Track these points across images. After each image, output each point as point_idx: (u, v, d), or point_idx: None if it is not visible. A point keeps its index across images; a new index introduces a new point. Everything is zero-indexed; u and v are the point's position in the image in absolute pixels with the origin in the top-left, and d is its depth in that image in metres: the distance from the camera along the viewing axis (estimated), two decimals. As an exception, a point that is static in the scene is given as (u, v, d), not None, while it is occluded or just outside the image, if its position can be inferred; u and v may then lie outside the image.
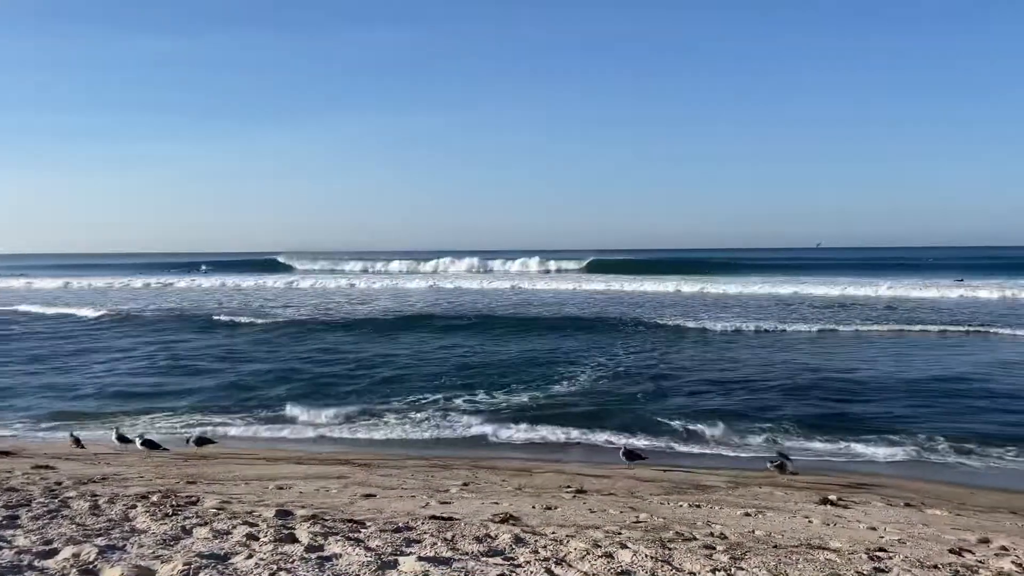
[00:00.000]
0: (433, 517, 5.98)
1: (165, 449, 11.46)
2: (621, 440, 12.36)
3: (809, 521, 6.93)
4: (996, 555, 5.57)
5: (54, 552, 4.48)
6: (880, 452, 11.62)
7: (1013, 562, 5.24)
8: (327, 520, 5.66)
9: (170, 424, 14.06)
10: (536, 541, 5.14)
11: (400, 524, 5.58)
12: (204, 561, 4.26)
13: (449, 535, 5.22)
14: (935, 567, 4.93)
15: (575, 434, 12.92)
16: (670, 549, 5.06)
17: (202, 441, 11.92)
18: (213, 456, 11.15)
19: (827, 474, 10.65)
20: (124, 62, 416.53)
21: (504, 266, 75.75)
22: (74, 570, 4.13)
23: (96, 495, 6.57)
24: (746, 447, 12.15)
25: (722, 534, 5.91)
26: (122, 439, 11.83)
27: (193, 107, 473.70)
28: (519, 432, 13.12)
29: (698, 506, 7.65)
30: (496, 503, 7.23)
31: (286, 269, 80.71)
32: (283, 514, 5.85)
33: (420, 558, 4.46)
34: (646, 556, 4.75)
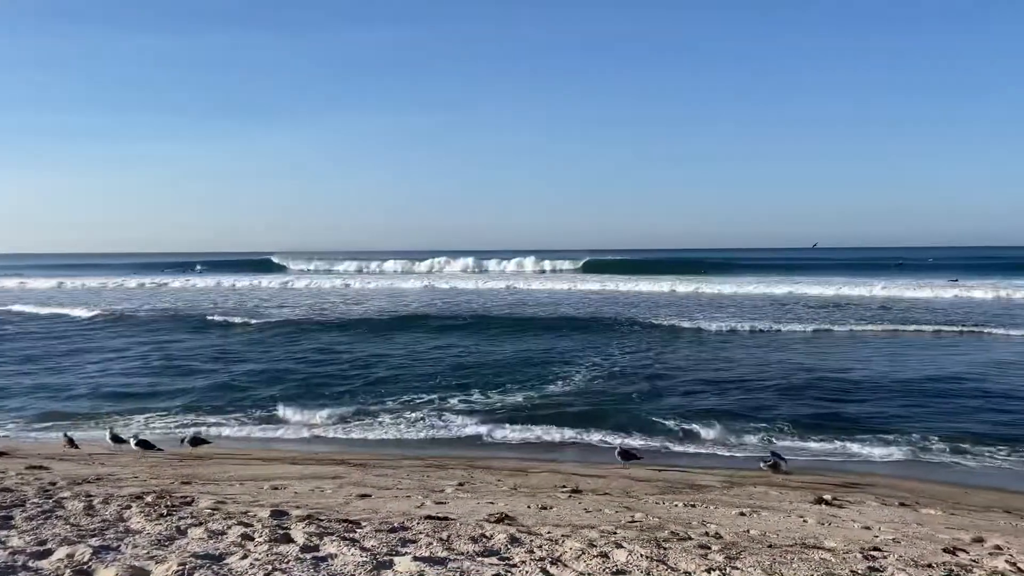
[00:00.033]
0: (429, 517, 5.98)
1: (160, 449, 11.43)
2: (616, 440, 12.37)
3: (804, 521, 6.94)
4: (990, 554, 5.58)
5: (48, 553, 4.46)
6: (875, 452, 11.65)
7: (1007, 561, 5.26)
8: (322, 520, 5.65)
9: (164, 424, 14.03)
10: (531, 541, 5.14)
11: (395, 524, 5.58)
12: (199, 561, 4.25)
13: (445, 535, 5.21)
14: (929, 566, 4.95)
15: (570, 434, 12.93)
16: (665, 549, 5.06)
17: (196, 441, 11.90)
18: (208, 456, 11.13)
19: (822, 474, 10.67)
20: (124, 62, 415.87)
21: (499, 266, 75.75)
22: (68, 571, 4.11)
23: (90, 495, 6.55)
24: (741, 447, 12.17)
25: (717, 534, 5.92)
26: (116, 439, 11.79)
27: (193, 107, 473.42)
28: (514, 432, 13.13)
29: (693, 506, 7.66)
30: (491, 503, 7.23)
31: (281, 269, 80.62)
32: (278, 514, 5.84)
33: (416, 558, 4.45)
34: (641, 556, 4.76)
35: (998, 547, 5.94)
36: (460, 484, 8.75)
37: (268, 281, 57.18)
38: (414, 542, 4.96)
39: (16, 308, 36.94)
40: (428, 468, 10.36)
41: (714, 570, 4.51)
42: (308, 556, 4.46)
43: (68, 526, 5.23)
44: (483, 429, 13.32)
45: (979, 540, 6.24)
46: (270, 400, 15.46)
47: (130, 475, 8.68)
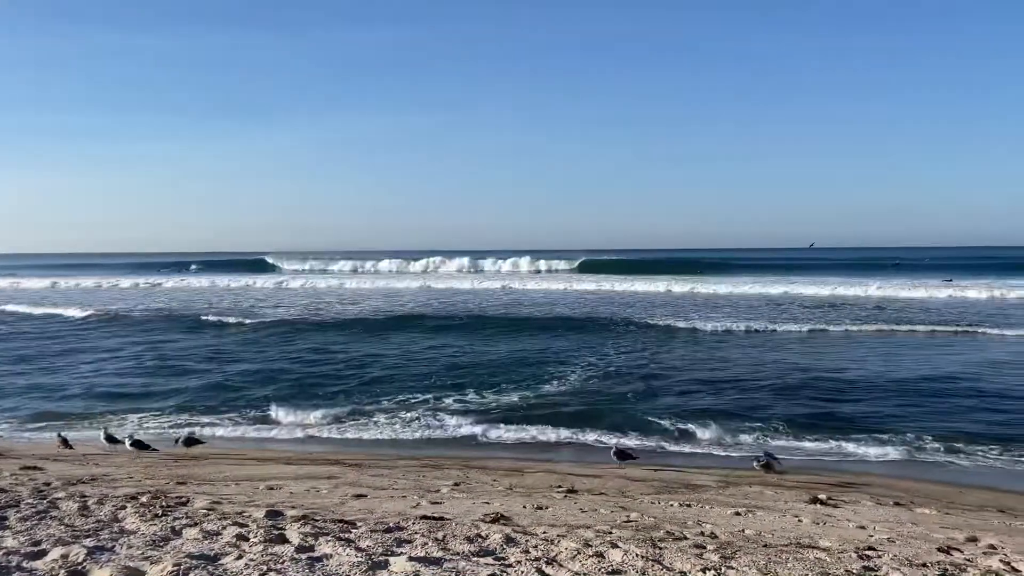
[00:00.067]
0: (424, 517, 5.97)
1: (154, 450, 11.40)
2: (612, 440, 12.39)
3: (799, 520, 6.95)
4: (984, 553, 5.60)
5: (43, 553, 4.45)
6: (870, 451, 11.68)
7: (1001, 560, 5.27)
8: (318, 520, 5.64)
9: (158, 424, 14.00)
10: (527, 541, 5.14)
11: (391, 524, 5.57)
12: (194, 562, 4.24)
13: (440, 535, 5.21)
14: (924, 565, 4.96)
15: (566, 434, 12.93)
16: (660, 548, 5.07)
17: (191, 441, 11.86)
18: (203, 456, 11.10)
19: (817, 473, 10.69)
20: (124, 62, 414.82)
21: (495, 266, 75.72)
22: (63, 571, 4.11)
23: (85, 496, 6.53)
24: (737, 447, 12.18)
25: (712, 533, 5.93)
26: (110, 439, 11.76)
27: (193, 107, 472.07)
28: (510, 432, 13.13)
29: (688, 505, 7.67)
30: (487, 503, 7.23)
31: (277, 269, 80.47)
32: (273, 514, 5.83)
33: (411, 558, 4.45)
34: (637, 555, 4.76)
35: (992, 546, 5.96)
36: (456, 484, 8.75)
37: (263, 281, 57.08)
38: (409, 542, 4.96)
39: (9, 308, 36.83)
40: (424, 468, 10.35)
41: (709, 570, 4.51)
42: (303, 556, 4.45)
43: (63, 527, 5.22)
44: (479, 429, 13.31)
45: (973, 539, 6.26)
46: (265, 400, 15.42)
47: (125, 475, 8.65)
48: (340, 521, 5.66)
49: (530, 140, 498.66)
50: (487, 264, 76.48)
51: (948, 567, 4.96)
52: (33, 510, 5.79)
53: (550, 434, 12.95)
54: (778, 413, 13.91)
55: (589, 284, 50.55)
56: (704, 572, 4.47)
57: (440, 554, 4.65)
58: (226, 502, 6.60)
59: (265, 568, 4.18)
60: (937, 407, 14.35)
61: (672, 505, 7.67)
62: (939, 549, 5.64)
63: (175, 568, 4.11)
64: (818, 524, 6.79)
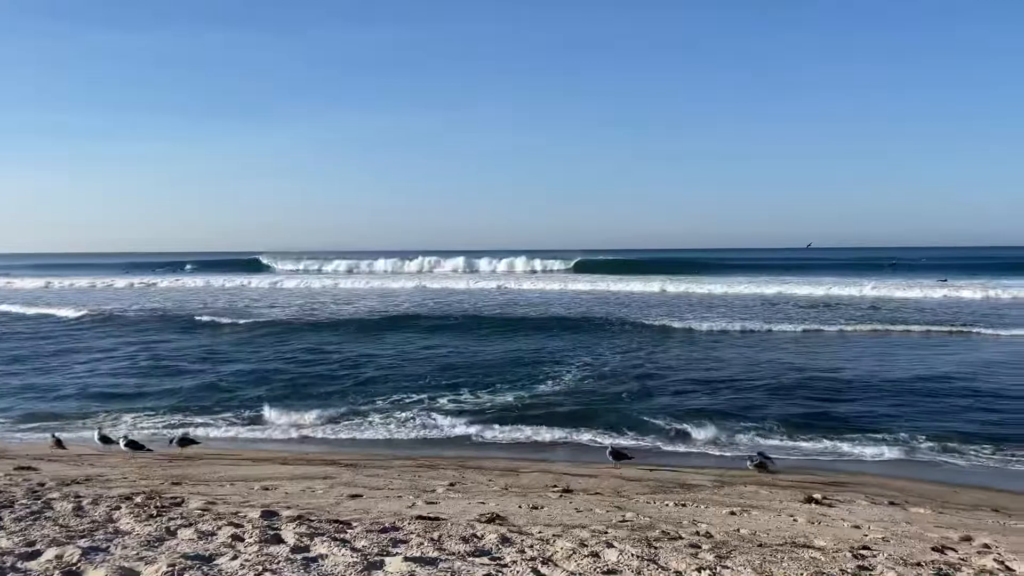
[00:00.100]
0: (420, 517, 5.97)
1: (149, 450, 11.37)
2: (607, 439, 12.39)
3: (794, 520, 6.97)
4: (978, 553, 5.62)
5: (37, 554, 4.43)
6: (864, 451, 11.71)
7: (995, 560, 5.29)
8: (313, 521, 5.64)
9: (152, 425, 13.95)
10: (522, 541, 5.14)
11: (386, 524, 5.57)
12: (189, 562, 4.24)
13: (436, 535, 5.21)
14: (918, 565, 4.97)
15: (561, 434, 12.94)
16: (656, 548, 5.07)
17: (185, 442, 11.83)
18: (198, 457, 11.08)
19: (812, 473, 10.71)
20: (124, 62, 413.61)
21: (491, 266, 75.65)
22: (57, 572, 4.09)
23: (79, 496, 6.51)
24: (732, 446, 12.20)
25: (708, 533, 5.94)
26: (105, 440, 11.73)
27: (192, 107, 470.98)
28: (505, 432, 13.12)
29: (684, 505, 7.68)
30: (483, 503, 7.23)
31: (272, 269, 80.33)
32: (269, 515, 5.82)
33: (406, 558, 4.45)
34: (632, 555, 4.77)
35: (986, 546, 5.98)
36: (451, 484, 8.75)
37: (258, 281, 56.97)
38: (405, 542, 4.95)
39: (3, 308, 36.72)
40: (419, 468, 10.34)
41: (704, 569, 4.52)
42: (299, 557, 4.45)
43: (57, 527, 5.20)
44: (474, 429, 13.31)
45: (967, 539, 6.28)
46: (259, 400, 15.39)
47: (119, 476, 8.63)
48: (336, 521, 5.66)
49: (530, 140, 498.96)
50: (483, 264, 76.37)
51: (943, 566, 4.98)
52: (27, 510, 5.77)
53: (545, 434, 12.95)
54: (773, 413, 13.93)
55: (584, 284, 50.52)
56: (699, 572, 4.47)
57: (436, 554, 4.65)
58: (221, 502, 6.58)
59: (260, 568, 4.18)
60: (931, 407, 14.39)
61: (667, 505, 7.68)
62: (934, 548, 5.66)
63: (170, 568, 4.10)
64: (813, 523, 6.80)
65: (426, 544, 4.90)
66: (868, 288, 40.69)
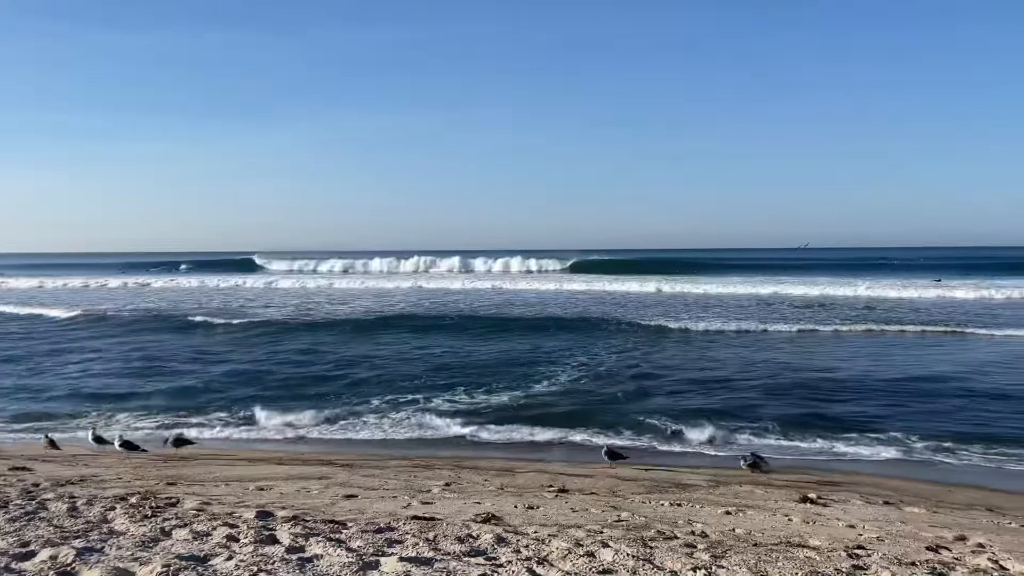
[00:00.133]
0: (415, 517, 5.97)
1: (144, 450, 11.34)
2: (603, 439, 12.40)
3: (789, 519, 6.98)
4: (973, 552, 5.64)
5: (31, 554, 4.42)
6: (859, 451, 11.74)
7: (989, 559, 5.31)
8: (308, 521, 5.63)
9: (146, 425, 13.92)
10: (518, 541, 5.14)
11: (382, 524, 5.57)
12: (183, 563, 4.23)
13: (431, 535, 5.21)
14: (913, 564, 4.99)
15: (557, 434, 12.94)
16: (651, 548, 5.08)
17: (180, 442, 11.80)
18: (193, 457, 11.06)
19: (807, 472, 10.73)
20: (124, 62, 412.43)
21: (486, 265, 75.61)
22: (52, 572, 4.08)
23: (74, 497, 6.50)
24: (727, 446, 12.21)
25: (703, 532, 5.95)
26: (99, 440, 11.69)
27: (192, 107, 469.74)
28: (501, 432, 13.12)
29: (679, 505, 7.69)
30: (478, 503, 7.23)
31: (267, 269, 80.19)
32: (264, 515, 5.81)
33: (402, 558, 4.45)
34: (628, 555, 4.77)
35: (980, 545, 6.00)
36: (447, 484, 8.74)
37: (253, 281, 56.89)
38: (400, 542, 4.95)
39: (-4, 308, 36.57)
40: (415, 468, 10.33)
41: (700, 569, 4.52)
42: (294, 557, 4.44)
43: (51, 527, 5.19)
44: (469, 429, 13.31)
45: (962, 538, 6.29)
46: (254, 401, 15.34)
47: (114, 476, 8.61)
48: (331, 521, 5.65)
49: (530, 140, 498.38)
50: (478, 264, 76.34)
51: (937, 565, 4.99)
52: (22, 511, 5.75)
53: (541, 434, 12.96)
54: (768, 413, 13.95)
55: (580, 284, 50.56)
56: (695, 571, 4.48)
57: (431, 554, 4.64)
58: (216, 503, 6.57)
59: (255, 569, 4.17)
60: (926, 407, 14.43)
61: (663, 504, 7.69)
62: (928, 548, 5.67)
63: (164, 569, 4.09)
64: (808, 523, 6.81)
65: (421, 544, 4.90)
66: (862, 288, 40.82)
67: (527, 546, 4.99)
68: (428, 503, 7.12)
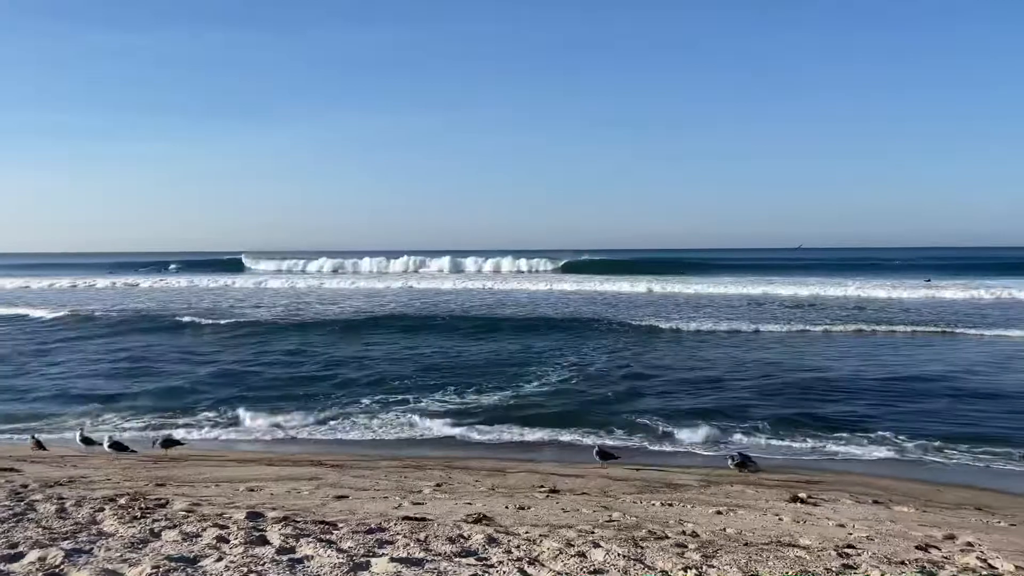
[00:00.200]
0: (406, 518, 5.95)
1: (133, 451, 11.28)
2: (594, 439, 12.41)
3: (779, 519, 7.00)
4: (962, 551, 5.67)
5: (20, 556, 4.39)
6: (849, 450, 11.79)
7: (978, 558, 5.34)
8: (299, 522, 5.61)
9: (134, 426, 13.85)
10: (509, 541, 5.14)
11: (373, 525, 5.55)
12: (173, 564, 4.20)
13: (422, 536, 5.20)
14: (902, 563, 5.01)
15: (548, 434, 12.95)
16: (642, 548, 5.08)
17: (169, 442, 11.73)
18: (182, 458, 11.00)
19: (797, 472, 10.76)
20: (124, 62, 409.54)
21: (478, 265, 75.53)
22: (40, 573, 4.06)
23: (63, 498, 6.45)
24: (718, 446, 12.24)
25: (694, 532, 5.96)
26: (86, 441, 11.62)
27: (192, 107, 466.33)
28: (492, 432, 13.12)
29: (670, 505, 7.70)
30: (469, 503, 7.22)
31: (254, 270, 79.89)
32: (254, 516, 5.79)
33: (393, 559, 4.44)
34: (618, 555, 4.77)
35: (969, 544, 6.03)
36: (438, 485, 8.73)
37: (243, 281, 56.72)
38: (391, 543, 4.94)
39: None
40: (405, 469, 10.31)
41: (691, 568, 4.53)
42: (284, 558, 4.43)
43: (40, 529, 5.15)
44: (460, 430, 13.29)
45: (951, 537, 6.33)
46: (242, 402, 15.29)
47: (102, 477, 8.56)
48: (321, 522, 5.63)
49: (530, 140, 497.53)
50: (469, 264, 76.26)
51: (926, 564, 5.01)
52: (10, 512, 5.71)
53: (532, 434, 12.96)
54: (759, 412, 14.00)
55: (572, 284, 50.60)
56: (686, 571, 4.49)
57: (422, 555, 4.63)
58: (206, 504, 6.54)
59: (246, 570, 4.15)
60: (915, 406, 14.51)
61: (654, 504, 7.70)
62: (917, 547, 5.70)
63: (154, 570, 4.06)
64: (798, 522, 6.84)
65: (412, 545, 4.89)
66: (852, 288, 41.04)
67: (518, 546, 4.99)
68: (419, 504, 7.10)
